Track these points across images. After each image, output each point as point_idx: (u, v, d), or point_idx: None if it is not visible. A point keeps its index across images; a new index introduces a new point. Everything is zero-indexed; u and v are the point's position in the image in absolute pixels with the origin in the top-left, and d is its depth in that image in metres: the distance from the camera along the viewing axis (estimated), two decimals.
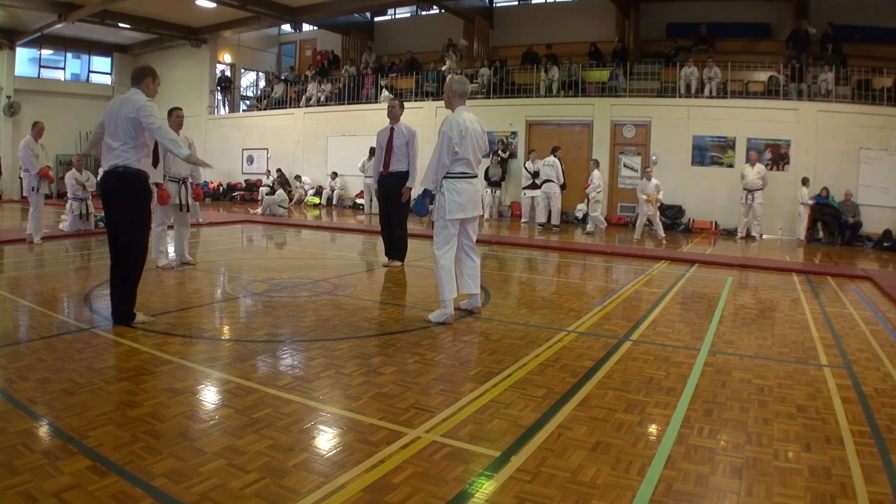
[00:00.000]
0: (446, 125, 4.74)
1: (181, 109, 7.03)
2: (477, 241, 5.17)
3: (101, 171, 4.49)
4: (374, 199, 15.33)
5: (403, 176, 7.11)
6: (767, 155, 13.06)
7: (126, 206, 4.37)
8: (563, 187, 12.76)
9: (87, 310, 4.99)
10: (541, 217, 12.95)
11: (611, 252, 9.54)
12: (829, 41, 13.58)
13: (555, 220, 12.75)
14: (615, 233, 12.93)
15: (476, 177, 4.92)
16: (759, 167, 12.27)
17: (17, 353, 3.79)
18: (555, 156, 12.76)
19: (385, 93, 17.55)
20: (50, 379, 3.34)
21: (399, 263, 7.55)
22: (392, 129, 7.30)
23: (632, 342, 4.48)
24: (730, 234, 12.97)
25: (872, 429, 3.01)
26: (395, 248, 7.55)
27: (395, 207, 7.22)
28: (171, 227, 7.34)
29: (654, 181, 11.26)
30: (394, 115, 7.34)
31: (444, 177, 4.78)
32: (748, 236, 12.43)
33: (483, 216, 14.23)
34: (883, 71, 12.95)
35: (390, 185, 7.21)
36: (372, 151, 15.12)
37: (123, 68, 22.39)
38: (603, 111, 14.52)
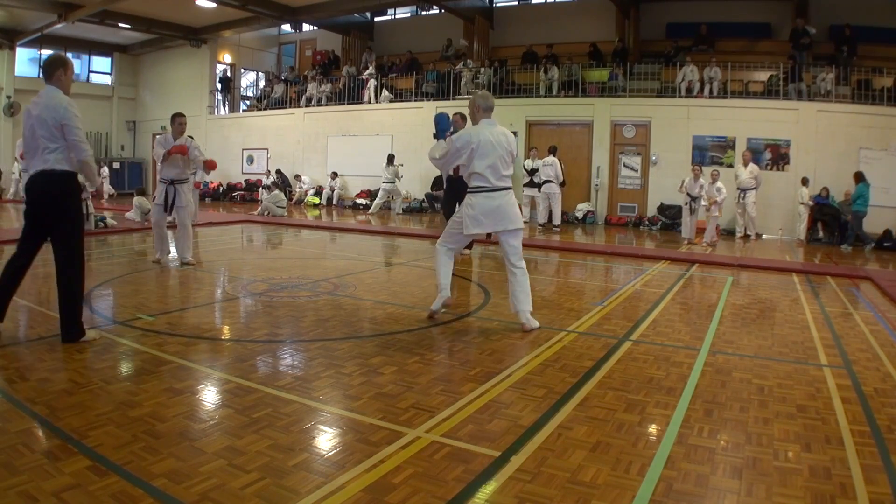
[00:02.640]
0: (456, 135, 4.71)
1: (183, 116, 7.06)
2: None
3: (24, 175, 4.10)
4: (391, 199, 15.75)
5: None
6: (767, 155, 13.06)
7: (60, 210, 3.94)
8: (562, 184, 12.75)
9: (87, 310, 4.98)
10: (541, 217, 12.95)
11: (611, 252, 9.54)
12: (845, 43, 13.54)
13: (555, 221, 12.76)
14: (615, 233, 12.93)
15: (497, 190, 4.60)
16: (753, 167, 12.25)
17: (17, 353, 3.79)
18: (554, 156, 12.76)
19: (385, 93, 17.57)
20: (50, 379, 3.34)
21: (468, 252, 8.19)
22: None
23: (632, 342, 4.48)
24: (730, 234, 12.97)
25: (872, 429, 3.01)
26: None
27: (452, 208, 7.49)
28: (172, 226, 7.43)
29: (717, 184, 11.12)
30: (457, 129, 7.51)
31: (468, 191, 4.71)
32: (745, 236, 12.44)
33: None
34: (883, 71, 12.95)
35: (458, 188, 7.49)
36: (389, 158, 15.27)
37: (123, 68, 22.44)
38: (603, 111, 14.51)
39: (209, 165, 7.30)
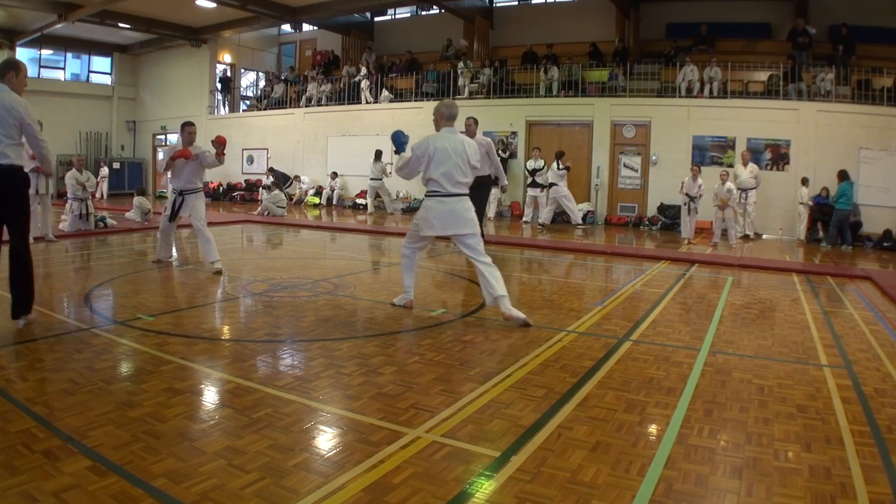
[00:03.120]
0: (416, 144, 4.87)
1: (193, 125, 6.92)
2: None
3: None
4: (382, 197, 15.82)
5: (485, 179, 7.94)
6: (767, 155, 13.05)
7: (21, 202, 4.28)
8: (562, 162, 12.64)
9: (87, 310, 4.99)
10: (543, 217, 12.92)
11: (611, 252, 9.54)
12: (842, 42, 13.54)
13: (576, 220, 12.70)
14: (615, 233, 12.93)
15: (451, 196, 4.82)
16: (752, 167, 12.26)
17: (17, 353, 3.79)
18: (558, 160, 12.72)
19: (385, 93, 17.56)
20: (50, 379, 3.34)
21: None
22: None
23: (632, 342, 4.48)
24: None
25: (872, 429, 3.01)
26: None
27: (477, 206, 7.48)
28: (186, 225, 7.47)
29: (727, 184, 11.14)
30: (470, 132, 7.71)
31: (426, 194, 4.96)
32: (744, 236, 12.43)
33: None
34: (883, 71, 12.94)
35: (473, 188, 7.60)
36: (377, 155, 15.27)
37: (123, 68, 22.44)
38: (603, 111, 14.51)
39: (219, 141, 6.96)
